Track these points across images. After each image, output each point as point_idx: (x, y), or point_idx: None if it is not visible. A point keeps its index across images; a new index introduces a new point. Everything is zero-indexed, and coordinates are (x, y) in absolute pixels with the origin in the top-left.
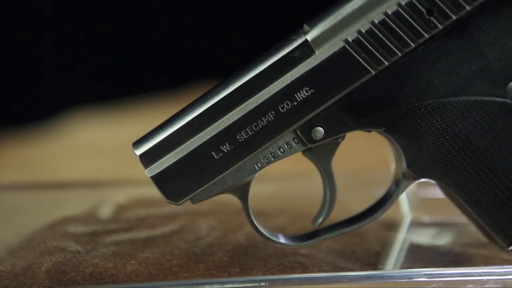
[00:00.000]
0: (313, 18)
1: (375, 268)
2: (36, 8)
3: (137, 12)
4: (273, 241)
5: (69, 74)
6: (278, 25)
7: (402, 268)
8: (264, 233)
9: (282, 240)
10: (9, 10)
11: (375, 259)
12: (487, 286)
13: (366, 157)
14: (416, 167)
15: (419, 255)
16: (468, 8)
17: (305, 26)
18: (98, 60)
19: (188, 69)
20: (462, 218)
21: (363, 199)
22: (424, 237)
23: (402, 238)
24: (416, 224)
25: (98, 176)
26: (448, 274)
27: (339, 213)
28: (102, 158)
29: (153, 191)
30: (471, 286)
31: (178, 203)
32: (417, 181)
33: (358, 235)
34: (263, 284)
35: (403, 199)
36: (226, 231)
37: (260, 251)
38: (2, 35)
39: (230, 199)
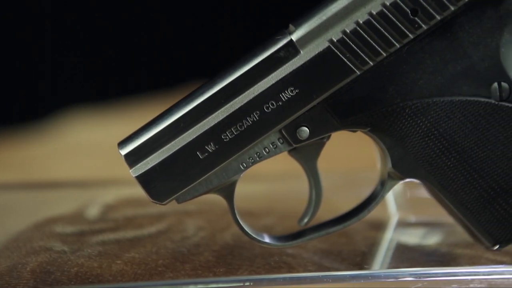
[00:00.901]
0: (298, 18)
1: (361, 268)
2: (36, 8)
3: (132, 12)
4: (259, 241)
5: (64, 74)
6: (277, 26)
7: (388, 268)
8: (250, 232)
9: (267, 240)
10: (8, 9)
11: (361, 259)
12: (471, 285)
13: (358, 157)
14: (401, 167)
15: (405, 255)
16: (452, 8)
17: (291, 26)
18: (93, 60)
19: (184, 69)
20: (448, 218)
21: (353, 199)
22: (411, 237)
23: (389, 238)
24: (403, 224)
25: (92, 176)
26: (433, 273)
27: (328, 213)
28: (97, 157)
29: (143, 191)
30: (456, 286)
31: (163, 203)
32: (402, 181)
33: (345, 235)
34: (247, 284)
35: (390, 199)
36: (214, 231)
37: (247, 251)
38: None
39: (218, 199)
